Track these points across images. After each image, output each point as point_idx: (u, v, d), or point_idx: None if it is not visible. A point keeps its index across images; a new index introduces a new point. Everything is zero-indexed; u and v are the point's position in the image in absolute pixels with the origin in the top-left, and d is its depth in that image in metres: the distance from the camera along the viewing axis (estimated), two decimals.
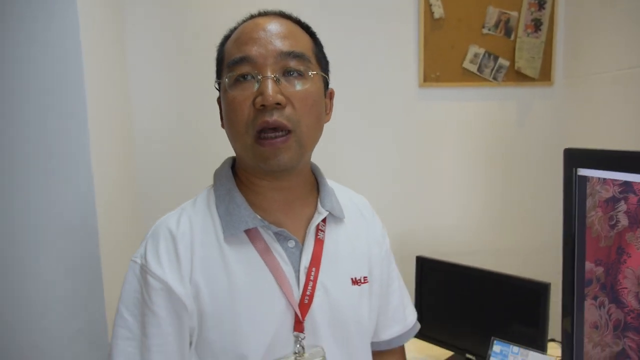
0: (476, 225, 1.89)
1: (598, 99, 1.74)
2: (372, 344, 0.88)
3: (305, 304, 0.73)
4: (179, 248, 0.70)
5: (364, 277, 0.81)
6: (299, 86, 0.71)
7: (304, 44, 0.74)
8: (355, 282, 0.80)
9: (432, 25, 1.77)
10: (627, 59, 1.60)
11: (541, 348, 1.17)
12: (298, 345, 0.73)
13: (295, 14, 0.79)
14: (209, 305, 0.69)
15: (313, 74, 0.73)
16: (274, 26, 0.72)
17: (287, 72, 0.71)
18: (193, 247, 0.71)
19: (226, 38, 0.78)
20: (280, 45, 0.70)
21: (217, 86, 0.77)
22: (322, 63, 0.78)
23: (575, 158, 1.01)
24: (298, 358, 0.73)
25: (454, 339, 1.42)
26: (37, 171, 1.17)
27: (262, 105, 0.68)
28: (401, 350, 0.95)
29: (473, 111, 1.85)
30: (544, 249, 1.87)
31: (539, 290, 1.20)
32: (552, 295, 1.25)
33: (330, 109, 0.81)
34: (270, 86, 0.68)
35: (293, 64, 0.71)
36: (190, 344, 0.72)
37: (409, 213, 1.84)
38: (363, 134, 1.79)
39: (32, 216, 1.17)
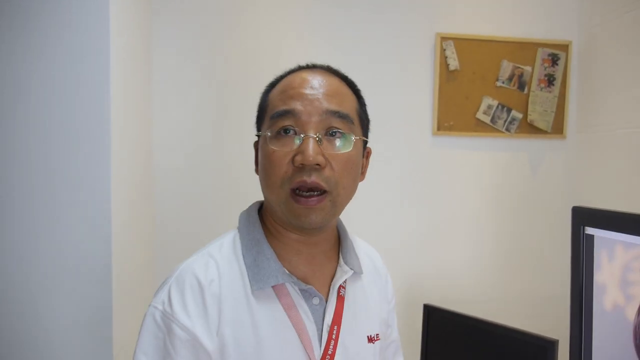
0: (485, 274, 1.89)
1: (610, 154, 1.76)
2: None
3: None
4: (206, 298, 0.69)
5: (377, 335, 0.82)
6: (340, 148, 0.71)
7: (349, 104, 0.74)
8: (370, 339, 0.80)
9: (447, 77, 1.82)
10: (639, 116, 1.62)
11: None
12: None
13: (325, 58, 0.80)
14: (233, 358, 0.68)
15: (356, 139, 0.73)
16: (321, 82, 0.72)
17: (329, 132, 0.71)
18: (221, 299, 0.70)
19: (271, 86, 0.78)
20: (326, 104, 0.70)
21: (257, 133, 0.78)
22: (364, 123, 0.78)
23: (582, 216, 1.02)
24: None
25: None
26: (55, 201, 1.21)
27: (302, 164, 0.68)
28: None
29: (485, 160, 1.88)
30: (553, 301, 1.85)
31: (546, 346, 1.19)
32: (560, 349, 1.23)
33: (366, 168, 0.81)
34: (311, 146, 0.68)
35: (337, 124, 0.71)
36: None
37: (419, 260, 1.84)
38: (376, 179, 1.82)
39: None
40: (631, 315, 0.87)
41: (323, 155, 0.69)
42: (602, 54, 1.82)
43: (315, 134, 0.69)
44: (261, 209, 0.81)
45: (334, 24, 1.76)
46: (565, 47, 1.89)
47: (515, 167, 1.90)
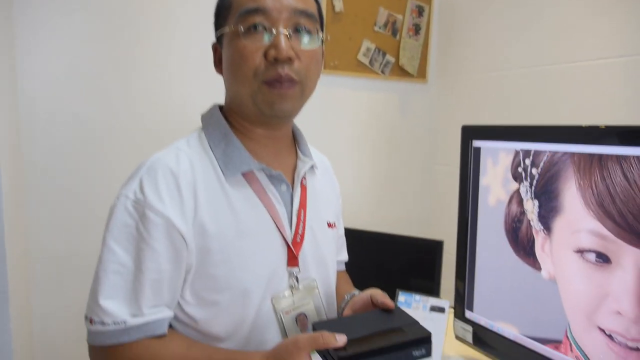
0: (366, 200, 2.09)
1: (465, 96, 2.08)
2: None
3: (297, 242, 0.79)
4: (181, 186, 0.70)
5: (334, 222, 0.92)
6: (307, 44, 0.75)
7: (311, 3, 0.78)
8: (329, 225, 0.89)
9: (333, 18, 1.91)
10: (492, 63, 1.94)
11: (437, 294, 1.38)
12: (293, 279, 0.78)
13: None
14: (216, 243, 0.70)
15: (320, 36, 0.78)
16: None
17: (296, 29, 0.74)
18: (196, 186, 0.71)
19: None
20: (294, 2, 0.74)
21: (218, 31, 0.78)
22: (321, 22, 0.83)
23: (471, 132, 1.23)
24: (294, 291, 0.79)
25: None
26: None
27: (275, 59, 0.71)
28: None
29: (363, 99, 2.05)
30: (423, 219, 2.16)
31: (435, 247, 1.41)
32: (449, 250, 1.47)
33: (322, 61, 0.86)
34: (283, 41, 0.71)
35: (304, 22, 0.75)
36: (185, 280, 0.72)
37: None
38: None
39: None
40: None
41: (293, 49, 0.73)
42: (459, 8, 2.09)
43: (286, 30, 0.73)
44: (221, 110, 0.83)
45: None
46: (428, 0, 2.12)
47: (388, 107, 2.12)
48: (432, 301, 1.33)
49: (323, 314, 0.84)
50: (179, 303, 0.73)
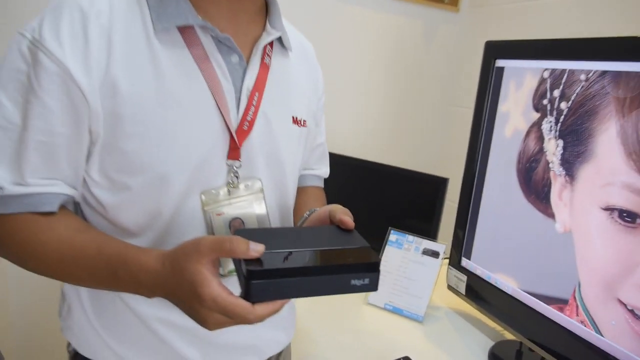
0: (374, 129, 1.91)
1: (496, 27, 1.81)
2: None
3: (244, 130, 0.64)
4: (90, 29, 0.55)
5: (304, 121, 0.74)
6: None
7: None
8: (295, 121, 0.72)
9: None
10: None
11: (434, 237, 1.23)
12: (232, 175, 0.64)
13: None
14: (129, 108, 0.56)
15: None
16: None
17: None
18: (112, 33, 0.56)
19: None
20: None
21: None
22: None
23: (494, 50, 1.01)
24: (231, 189, 0.64)
25: None
26: None
27: None
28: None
29: (385, 23, 1.82)
30: (431, 159, 1.98)
31: (439, 184, 1.24)
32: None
33: None
34: None
35: None
36: (91, 154, 0.59)
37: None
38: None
39: None
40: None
41: None
42: None
43: None
44: None
45: None
46: None
47: (411, 34, 1.88)
48: (427, 244, 1.18)
49: (267, 225, 0.69)
50: (86, 182, 0.61)
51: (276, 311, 0.51)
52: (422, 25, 1.90)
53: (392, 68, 1.90)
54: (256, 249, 0.49)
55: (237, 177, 0.64)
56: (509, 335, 1.05)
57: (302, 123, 0.73)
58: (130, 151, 0.57)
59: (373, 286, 0.53)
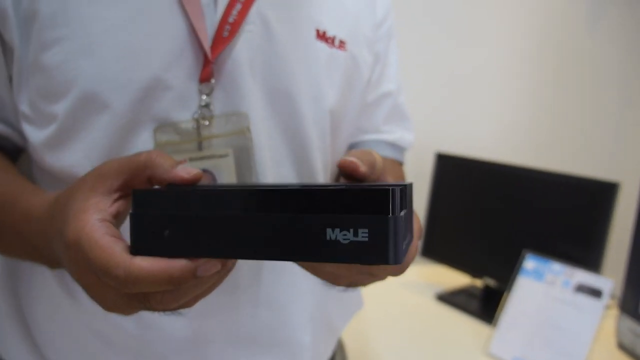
0: (516, 146, 1.54)
1: None
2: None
3: (223, 38, 0.43)
4: None
5: (342, 42, 0.49)
6: None
7: None
8: (322, 37, 0.48)
9: None
10: None
11: (594, 267, 0.85)
12: (202, 107, 0.43)
13: None
14: (46, 4, 0.41)
15: None
16: None
17: None
18: None
19: None
20: None
21: None
22: None
23: None
24: (202, 124, 0.43)
25: (471, 259, 1.11)
26: None
27: None
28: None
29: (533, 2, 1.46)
30: (596, 161, 1.53)
31: (605, 191, 0.86)
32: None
33: None
34: None
35: None
36: (13, 77, 0.44)
37: (436, 108, 1.49)
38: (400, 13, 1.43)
39: None
40: None
41: None
42: None
43: None
44: None
45: None
46: None
47: (570, 15, 1.48)
48: (583, 277, 0.82)
49: (251, 181, 0.45)
50: (20, 122, 0.45)
51: (170, 281, 0.28)
52: (583, 6, 1.51)
53: (543, 55, 1.53)
54: (189, 170, 0.31)
55: (208, 107, 0.43)
56: None
57: (336, 43, 0.48)
58: (51, 65, 0.41)
59: (381, 251, 0.25)
